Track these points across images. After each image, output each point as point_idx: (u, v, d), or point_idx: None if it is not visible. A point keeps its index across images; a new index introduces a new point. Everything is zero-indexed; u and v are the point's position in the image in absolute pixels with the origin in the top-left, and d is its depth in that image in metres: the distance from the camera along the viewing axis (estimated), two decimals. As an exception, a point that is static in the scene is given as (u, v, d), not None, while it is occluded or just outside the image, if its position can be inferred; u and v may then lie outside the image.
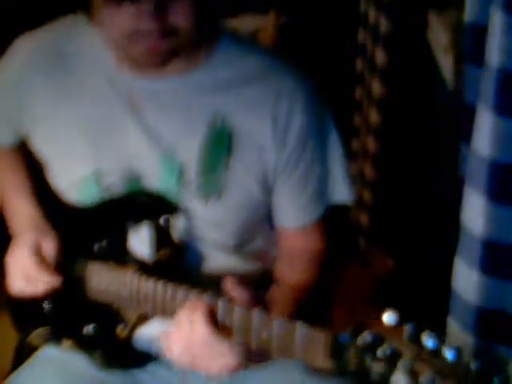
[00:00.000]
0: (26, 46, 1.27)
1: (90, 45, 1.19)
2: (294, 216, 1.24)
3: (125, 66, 1.18)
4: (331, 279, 1.32)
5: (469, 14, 1.08)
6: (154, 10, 1.04)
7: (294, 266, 1.26)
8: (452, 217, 1.15)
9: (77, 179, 1.24)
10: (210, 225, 1.21)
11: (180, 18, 1.06)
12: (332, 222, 1.26)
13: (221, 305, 1.00)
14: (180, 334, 1.01)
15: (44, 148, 1.28)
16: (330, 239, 1.27)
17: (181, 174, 1.18)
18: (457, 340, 1.13)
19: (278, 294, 1.20)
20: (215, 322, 1.00)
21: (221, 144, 1.16)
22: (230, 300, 1.00)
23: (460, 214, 1.10)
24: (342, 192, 1.23)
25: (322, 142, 1.20)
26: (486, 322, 1.07)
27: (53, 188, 1.30)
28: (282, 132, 1.16)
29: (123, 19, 1.06)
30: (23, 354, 1.39)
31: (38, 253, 1.22)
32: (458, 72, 1.56)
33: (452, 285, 1.14)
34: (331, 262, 1.29)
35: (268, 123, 1.16)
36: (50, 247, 1.24)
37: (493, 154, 0.98)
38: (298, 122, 1.17)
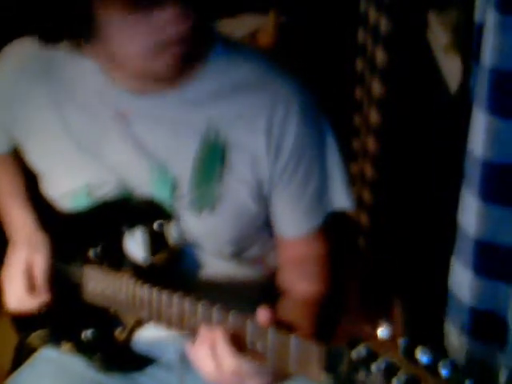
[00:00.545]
0: (18, 52, 1.26)
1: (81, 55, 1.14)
2: (293, 225, 1.22)
3: (113, 80, 1.15)
4: (340, 285, 1.31)
5: (478, 14, 1.08)
6: (182, 15, 0.98)
7: (302, 276, 1.24)
8: (452, 217, 1.15)
9: (68, 191, 1.24)
10: (205, 236, 1.20)
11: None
12: (334, 227, 1.25)
13: (215, 314, 0.99)
14: (206, 370, 0.98)
15: (35, 159, 1.28)
16: (334, 245, 1.26)
17: (174, 188, 1.17)
18: (453, 340, 1.13)
19: (294, 313, 1.17)
20: (240, 346, 0.96)
21: (214, 156, 1.14)
22: (224, 308, 0.99)
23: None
24: (342, 199, 1.22)
25: (320, 151, 1.18)
26: (479, 322, 1.06)
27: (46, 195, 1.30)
28: (276, 143, 1.14)
29: (149, 30, 0.98)
30: (23, 354, 1.40)
31: (29, 275, 1.24)
32: (463, 72, 1.55)
33: (448, 285, 1.14)
34: (338, 267, 1.29)
35: (262, 134, 1.14)
36: (40, 265, 1.24)
37: (486, 154, 0.98)
38: (293, 132, 1.14)
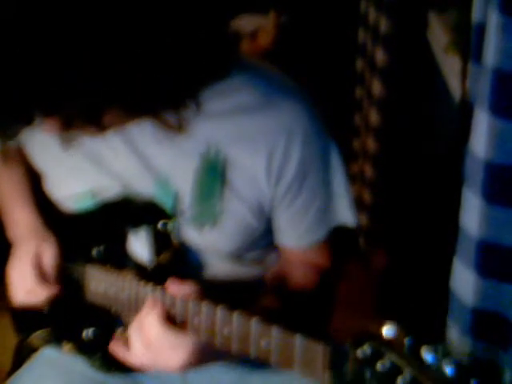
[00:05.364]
0: None
1: None
2: (295, 239, 1.23)
3: None
4: (333, 286, 1.31)
5: (476, 14, 1.08)
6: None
7: (293, 274, 1.25)
8: (453, 218, 1.15)
9: (72, 194, 1.24)
10: (206, 248, 1.21)
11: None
12: (336, 239, 1.25)
13: (219, 313, 0.99)
14: (137, 337, 1.06)
15: (39, 161, 1.28)
16: (336, 257, 1.27)
17: (176, 201, 1.16)
18: (456, 342, 1.13)
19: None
20: (171, 320, 1.04)
21: (214, 174, 1.14)
22: (228, 308, 0.99)
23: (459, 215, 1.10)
24: (345, 216, 1.22)
25: (324, 172, 1.17)
26: (482, 323, 1.06)
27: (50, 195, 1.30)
28: (278, 168, 1.13)
29: None
30: (23, 354, 1.40)
31: (39, 265, 1.23)
32: (463, 72, 1.55)
33: (450, 286, 1.14)
34: (335, 274, 1.29)
35: (262, 157, 1.12)
36: (50, 256, 1.24)
37: (489, 155, 0.98)
38: (296, 159, 1.13)
